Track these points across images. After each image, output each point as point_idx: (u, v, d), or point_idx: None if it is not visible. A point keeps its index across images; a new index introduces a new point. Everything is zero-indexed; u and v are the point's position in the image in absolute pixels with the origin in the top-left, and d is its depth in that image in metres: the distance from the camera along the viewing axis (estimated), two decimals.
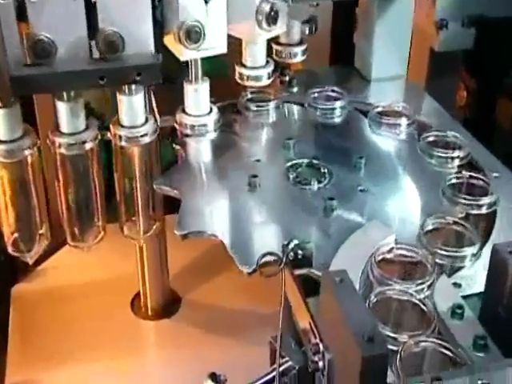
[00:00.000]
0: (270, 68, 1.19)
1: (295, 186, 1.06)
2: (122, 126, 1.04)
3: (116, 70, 0.94)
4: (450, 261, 0.91)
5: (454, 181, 1.06)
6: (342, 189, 1.06)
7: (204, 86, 1.11)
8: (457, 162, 1.12)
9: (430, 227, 0.96)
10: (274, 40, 1.29)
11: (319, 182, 1.06)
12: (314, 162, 1.10)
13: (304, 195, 1.04)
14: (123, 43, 0.92)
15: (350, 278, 0.76)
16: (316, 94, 1.28)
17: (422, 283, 0.84)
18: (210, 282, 1.37)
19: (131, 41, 0.93)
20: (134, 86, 1.00)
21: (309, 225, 0.98)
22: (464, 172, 1.07)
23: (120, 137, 1.04)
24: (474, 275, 0.88)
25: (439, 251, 0.91)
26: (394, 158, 1.16)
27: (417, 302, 0.81)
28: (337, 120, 1.24)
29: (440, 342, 0.75)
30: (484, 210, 1.00)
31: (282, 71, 1.35)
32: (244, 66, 1.18)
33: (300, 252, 0.88)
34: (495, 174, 1.08)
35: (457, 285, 0.87)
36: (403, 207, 1.04)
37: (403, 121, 1.21)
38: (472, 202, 1.00)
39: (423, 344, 0.74)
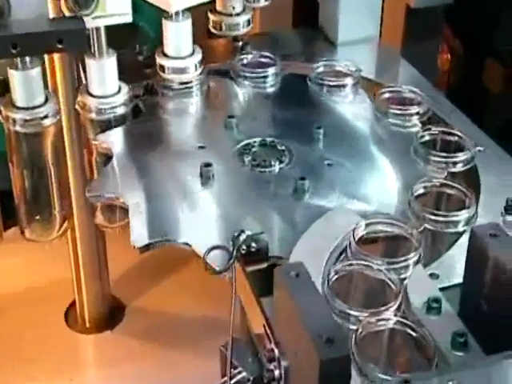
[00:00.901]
0: (197, 58, 1.18)
1: (253, 170, 1.06)
2: (17, 108, 1.01)
3: (31, 36, 0.93)
4: (443, 226, 0.94)
5: (426, 138, 1.10)
6: (307, 166, 1.06)
7: (110, 61, 1.07)
8: (415, 119, 1.15)
9: (420, 191, 0.99)
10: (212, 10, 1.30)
11: (280, 161, 1.07)
12: (268, 139, 1.10)
13: (265, 179, 1.04)
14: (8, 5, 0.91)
15: (310, 271, 0.76)
16: (245, 61, 1.28)
17: (395, 262, 0.86)
18: (157, 287, 1.37)
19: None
20: (28, 58, 0.98)
21: (275, 212, 0.98)
22: (434, 128, 1.11)
23: (14, 120, 1.01)
24: (454, 263, 0.89)
25: (432, 217, 0.94)
26: (352, 124, 1.18)
27: (383, 278, 0.83)
28: (270, 89, 1.25)
29: (402, 320, 0.76)
30: (461, 167, 1.04)
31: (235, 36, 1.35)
32: (166, 55, 1.18)
33: (253, 245, 0.88)
34: (479, 148, 1.10)
35: (434, 275, 0.88)
36: (378, 176, 1.07)
37: (348, 81, 1.24)
38: (448, 160, 1.04)
39: (383, 323, 0.76)
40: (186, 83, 1.20)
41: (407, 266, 0.87)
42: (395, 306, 0.80)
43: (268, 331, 0.77)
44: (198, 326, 1.27)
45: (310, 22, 1.43)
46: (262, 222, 0.95)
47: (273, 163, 1.06)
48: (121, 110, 1.10)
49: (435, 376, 0.65)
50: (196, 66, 1.19)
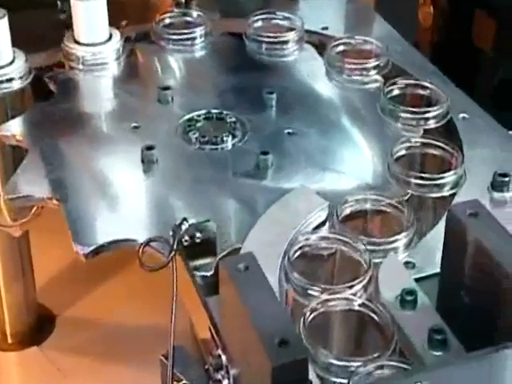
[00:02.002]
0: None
1: (202, 148, 1.07)
2: None
3: None
4: (426, 191, 0.98)
5: (394, 92, 1.14)
6: (265, 138, 1.08)
7: None
8: (374, 74, 1.19)
9: (401, 153, 1.03)
10: None
11: (233, 136, 1.08)
12: (214, 111, 1.11)
13: (218, 158, 1.06)
14: None
15: (265, 263, 0.77)
16: (167, 21, 1.30)
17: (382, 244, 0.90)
18: (93, 292, 1.38)
19: None
20: None
21: (231, 196, 1.00)
22: (402, 81, 1.15)
23: None
24: (434, 249, 0.91)
25: (414, 180, 0.98)
26: (305, 84, 1.21)
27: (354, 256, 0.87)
28: (201, 53, 1.27)
29: (357, 300, 0.79)
30: (433, 124, 1.09)
31: None
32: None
33: (198, 235, 0.89)
34: (462, 115, 1.13)
35: (409, 264, 0.90)
36: (347, 141, 1.10)
37: (291, 36, 1.26)
38: (421, 116, 1.09)
39: (335, 303, 0.79)
40: (102, 54, 1.22)
41: (396, 248, 0.91)
42: (359, 286, 0.83)
43: (214, 335, 0.79)
44: (141, 338, 1.28)
45: None
46: (215, 209, 0.97)
47: (225, 138, 1.07)
48: (16, 85, 1.10)
49: (400, 379, 0.67)
50: (112, 34, 1.21)
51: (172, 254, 0.84)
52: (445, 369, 0.69)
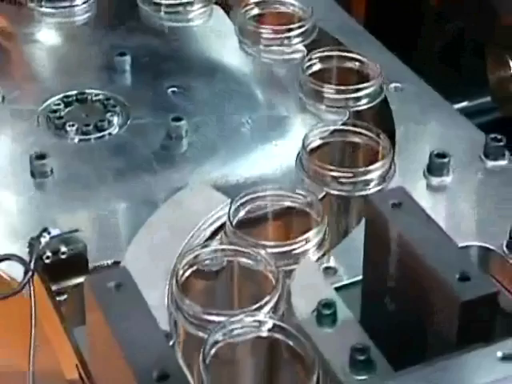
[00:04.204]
0: None
1: (87, 139, 1.06)
2: None
3: None
4: (349, 188, 0.96)
5: (316, 67, 1.12)
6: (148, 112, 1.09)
7: None
8: (298, 43, 1.18)
9: (315, 143, 1.01)
10: None
11: (114, 114, 1.08)
12: (71, 93, 1.10)
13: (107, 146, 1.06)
14: None
15: (149, 279, 0.78)
16: None
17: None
18: None
19: None
20: None
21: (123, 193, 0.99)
22: (325, 52, 1.12)
23: None
24: (358, 251, 0.88)
25: (334, 174, 0.96)
26: (213, 57, 1.21)
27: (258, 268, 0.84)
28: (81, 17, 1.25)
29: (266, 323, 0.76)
30: (364, 105, 1.07)
31: None
32: None
33: (64, 249, 0.86)
34: (395, 85, 1.12)
35: (330, 270, 0.89)
36: (253, 126, 1.08)
37: None
38: (348, 95, 1.06)
39: (238, 332, 0.75)
40: None
41: (304, 252, 0.88)
42: (267, 307, 0.80)
43: (82, 374, 0.76)
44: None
45: None
46: (95, 213, 0.96)
47: (109, 119, 1.07)
48: None
49: None
50: None
51: (28, 276, 0.80)
52: None
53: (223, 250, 0.86)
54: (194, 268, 0.84)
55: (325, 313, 0.80)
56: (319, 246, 0.89)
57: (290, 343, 0.76)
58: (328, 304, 0.80)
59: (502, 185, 0.98)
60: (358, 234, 0.91)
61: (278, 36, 1.18)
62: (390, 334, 0.77)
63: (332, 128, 1.02)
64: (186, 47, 1.22)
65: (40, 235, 0.85)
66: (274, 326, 0.77)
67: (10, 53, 1.21)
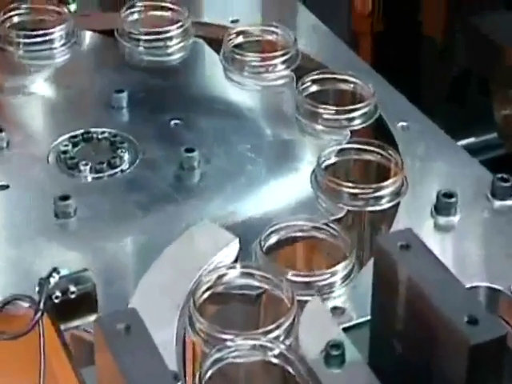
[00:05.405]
0: None
1: (98, 177, 1.06)
2: None
3: None
4: (363, 204, 0.99)
5: (312, 89, 1.14)
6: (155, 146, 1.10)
7: None
8: (283, 69, 1.19)
9: (331, 160, 1.04)
10: None
11: (124, 150, 1.08)
12: (77, 133, 1.10)
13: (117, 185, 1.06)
14: None
15: (157, 321, 0.76)
16: (16, 20, 1.26)
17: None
18: None
19: None
20: None
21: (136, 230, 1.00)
22: (318, 75, 1.15)
23: None
24: (367, 290, 0.88)
25: (348, 190, 0.99)
26: (201, 88, 1.23)
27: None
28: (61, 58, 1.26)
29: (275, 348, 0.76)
30: (359, 125, 1.10)
31: None
32: None
33: (73, 289, 0.86)
34: (402, 124, 1.12)
35: (338, 310, 0.89)
36: (260, 152, 1.10)
37: (174, 29, 1.26)
38: (347, 116, 1.09)
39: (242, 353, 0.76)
40: None
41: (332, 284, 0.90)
42: (281, 329, 0.81)
43: None
44: None
45: None
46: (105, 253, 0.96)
47: (120, 159, 1.07)
48: None
49: None
50: None
51: (38, 316, 0.80)
52: None
53: (253, 274, 0.87)
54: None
55: (333, 353, 0.79)
56: (346, 278, 0.91)
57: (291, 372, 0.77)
58: (336, 345, 0.80)
59: (509, 224, 0.98)
60: (366, 272, 0.91)
61: (264, 63, 1.20)
62: (398, 376, 0.77)
63: (347, 146, 1.06)
64: (178, 80, 1.23)
65: (50, 275, 0.85)
66: (281, 353, 0.77)
67: None
